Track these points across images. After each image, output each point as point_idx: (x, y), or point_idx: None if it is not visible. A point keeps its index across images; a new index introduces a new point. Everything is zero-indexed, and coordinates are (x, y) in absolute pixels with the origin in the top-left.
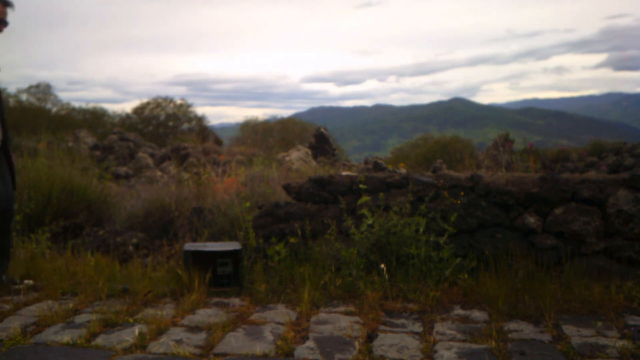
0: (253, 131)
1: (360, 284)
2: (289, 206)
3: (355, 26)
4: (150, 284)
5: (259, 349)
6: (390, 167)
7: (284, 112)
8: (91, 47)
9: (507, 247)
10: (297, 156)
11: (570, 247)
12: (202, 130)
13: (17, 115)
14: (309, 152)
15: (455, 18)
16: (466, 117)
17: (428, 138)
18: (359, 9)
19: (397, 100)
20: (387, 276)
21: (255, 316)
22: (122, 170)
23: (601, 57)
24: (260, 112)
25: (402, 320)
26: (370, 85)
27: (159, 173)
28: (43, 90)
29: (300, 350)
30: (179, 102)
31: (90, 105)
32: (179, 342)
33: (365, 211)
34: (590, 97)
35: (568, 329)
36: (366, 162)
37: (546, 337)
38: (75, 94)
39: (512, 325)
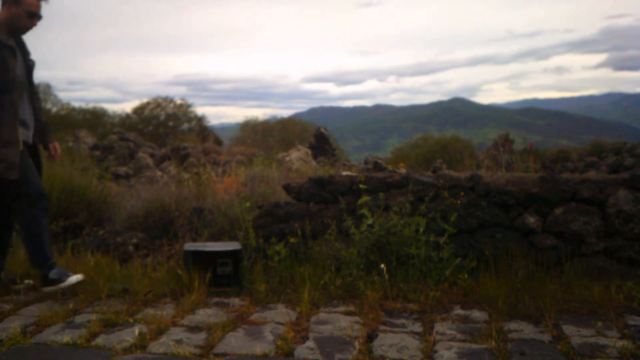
0: (253, 131)
1: (360, 284)
2: (289, 206)
3: (355, 26)
4: (150, 284)
5: (259, 349)
6: (390, 167)
7: (284, 112)
8: (91, 47)
9: (507, 247)
10: (297, 156)
11: (570, 247)
12: (202, 130)
13: None
14: (309, 152)
15: (455, 18)
16: (466, 117)
17: (428, 138)
18: (359, 9)
19: (397, 100)
20: (387, 276)
21: (255, 316)
22: (122, 170)
23: (601, 57)
24: (260, 112)
25: (402, 320)
26: (370, 85)
27: (159, 173)
28: (43, 90)
29: (300, 350)
30: (179, 102)
31: (90, 105)
32: (179, 342)
33: (365, 211)
34: (590, 97)
35: (568, 329)
36: (366, 162)
37: (546, 337)
38: (75, 94)
39: (512, 325)
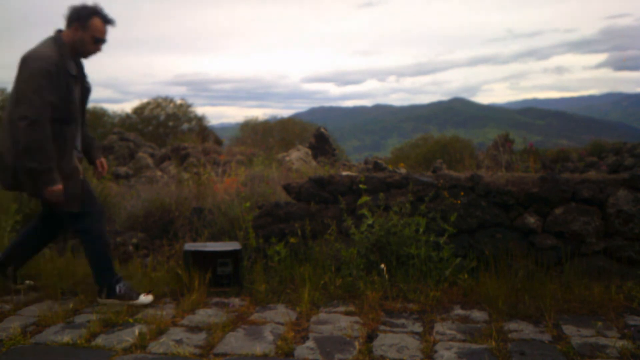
0: (253, 131)
1: (360, 284)
2: (289, 206)
3: (355, 26)
4: (150, 284)
5: (259, 349)
6: (390, 167)
7: (284, 112)
8: None
9: (507, 247)
10: (297, 156)
11: (570, 247)
12: (202, 130)
13: None
14: (309, 152)
15: (455, 18)
16: (466, 117)
17: (428, 138)
18: (359, 8)
19: (397, 100)
20: (387, 276)
21: (255, 316)
22: (122, 170)
23: (601, 57)
24: (260, 112)
25: (402, 320)
26: (370, 85)
27: (159, 173)
28: None
29: (300, 350)
30: (179, 102)
31: (90, 105)
32: (179, 342)
33: (365, 211)
34: (590, 97)
35: (568, 329)
36: (366, 162)
37: (546, 337)
38: None
39: (512, 325)
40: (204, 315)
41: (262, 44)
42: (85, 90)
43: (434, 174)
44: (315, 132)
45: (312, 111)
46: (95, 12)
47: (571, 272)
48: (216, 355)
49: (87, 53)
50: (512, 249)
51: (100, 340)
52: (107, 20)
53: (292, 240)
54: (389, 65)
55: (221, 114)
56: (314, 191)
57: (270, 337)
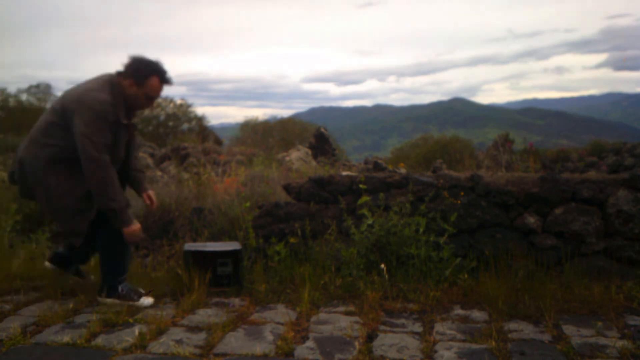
0: (253, 131)
1: (360, 284)
2: (289, 206)
3: (355, 26)
4: (150, 284)
5: (259, 349)
6: (390, 167)
7: (284, 112)
8: (91, 47)
9: (507, 247)
10: (297, 156)
11: (570, 247)
12: (202, 130)
13: (17, 115)
14: (309, 152)
15: (455, 18)
16: (466, 117)
17: (428, 138)
18: (359, 8)
19: (397, 100)
20: (387, 276)
21: (255, 316)
22: None
23: (601, 57)
24: (260, 112)
25: (402, 320)
26: (370, 85)
27: (159, 173)
28: (43, 90)
29: (300, 350)
30: (179, 102)
31: None
32: (179, 342)
33: (365, 211)
34: (590, 97)
35: (568, 329)
36: (366, 162)
37: (546, 337)
38: None
39: (512, 325)
40: (204, 315)
41: (262, 44)
42: (132, 136)
43: (434, 174)
44: (315, 132)
45: (312, 111)
46: (154, 72)
47: (571, 272)
48: (216, 355)
49: (138, 107)
50: (512, 249)
51: (100, 340)
52: (165, 80)
53: (292, 240)
54: (389, 65)
55: (221, 114)
56: (314, 191)
57: (270, 337)
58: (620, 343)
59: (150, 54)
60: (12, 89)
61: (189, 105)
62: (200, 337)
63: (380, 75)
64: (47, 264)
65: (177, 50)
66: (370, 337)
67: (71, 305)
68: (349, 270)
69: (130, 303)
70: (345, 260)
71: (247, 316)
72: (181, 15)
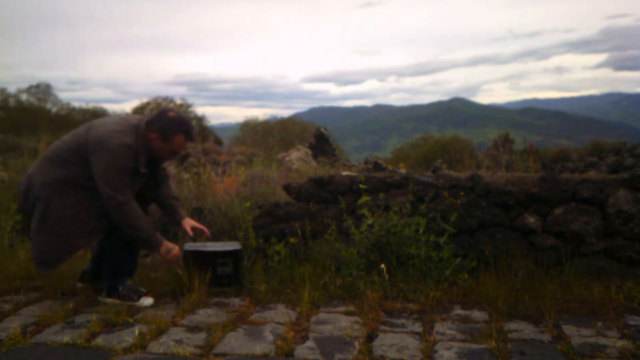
0: (253, 131)
1: (360, 284)
2: (289, 206)
3: (355, 26)
4: (150, 284)
5: (259, 349)
6: (390, 167)
7: (284, 112)
8: (91, 47)
9: (507, 247)
10: (297, 156)
11: (570, 247)
12: (202, 130)
13: (17, 115)
14: (309, 152)
15: (455, 18)
16: (466, 117)
17: (428, 138)
18: (359, 8)
19: (397, 100)
20: (387, 276)
21: (255, 316)
22: None
23: (601, 57)
24: (260, 112)
25: (402, 320)
26: (370, 85)
27: None
28: (43, 90)
29: (300, 350)
30: (179, 102)
31: (91, 105)
32: (179, 342)
33: (365, 211)
34: (590, 97)
35: (568, 329)
36: (366, 162)
37: (546, 337)
38: (75, 94)
39: (512, 325)
40: (204, 315)
41: (262, 44)
42: (162, 168)
43: (434, 174)
44: (315, 132)
45: (312, 111)
46: (181, 131)
47: (571, 272)
48: (216, 355)
49: (161, 160)
50: (512, 249)
51: (100, 340)
52: (190, 138)
53: (292, 240)
54: (389, 65)
55: (221, 114)
56: (314, 191)
57: (270, 337)
58: (620, 343)
59: (150, 54)
60: (12, 89)
61: (189, 105)
62: (200, 337)
63: (380, 75)
64: (78, 284)
65: (177, 50)
66: (370, 337)
67: (71, 305)
68: (349, 270)
69: (130, 303)
70: (345, 260)
71: (247, 316)
72: (181, 15)
